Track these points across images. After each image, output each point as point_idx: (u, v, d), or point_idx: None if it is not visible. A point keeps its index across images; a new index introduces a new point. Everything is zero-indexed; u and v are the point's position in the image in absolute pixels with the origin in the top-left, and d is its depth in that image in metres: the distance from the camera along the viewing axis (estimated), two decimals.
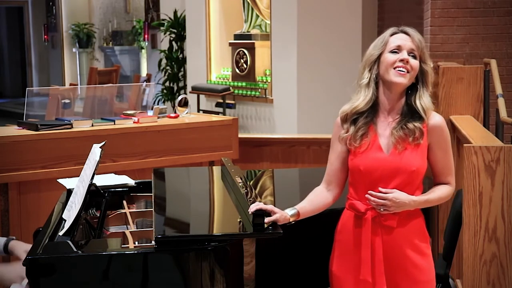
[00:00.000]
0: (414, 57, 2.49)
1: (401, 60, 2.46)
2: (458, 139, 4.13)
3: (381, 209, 2.46)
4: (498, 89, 5.25)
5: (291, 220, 2.53)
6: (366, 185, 2.49)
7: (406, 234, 2.51)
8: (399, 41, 2.49)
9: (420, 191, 2.53)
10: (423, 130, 2.48)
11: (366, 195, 2.47)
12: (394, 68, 2.46)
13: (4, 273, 2.77)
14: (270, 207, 2.50)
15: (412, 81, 2.49)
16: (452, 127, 4.32)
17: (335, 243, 2.62)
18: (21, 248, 2.84)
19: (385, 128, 2.51)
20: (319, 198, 2.59)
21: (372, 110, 2.52)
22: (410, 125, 2.46)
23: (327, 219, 2.69)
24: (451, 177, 2.57)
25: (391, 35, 2.52)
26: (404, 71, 2.45)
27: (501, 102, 5.11)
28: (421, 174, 2.50)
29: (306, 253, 2.84)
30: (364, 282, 2.49)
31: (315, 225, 2.74)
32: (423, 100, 2.48)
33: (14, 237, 2.97)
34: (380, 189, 2.45)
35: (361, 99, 2.51)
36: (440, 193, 2.55)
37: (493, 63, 5.48)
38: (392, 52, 2.48)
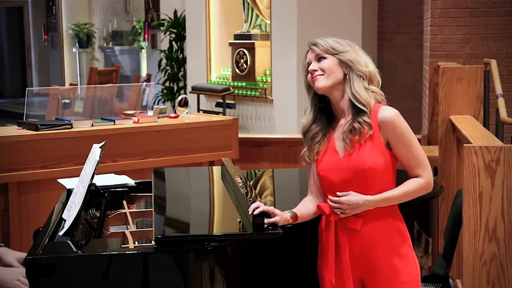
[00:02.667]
0: (322, 58, 2.53)
1: (311, 73, 2.53)
2: (458, 139, 4.13)
3: (339, 213, 2.48)
4: (498, 89, 5.25)
5: (290, 222, 2.54)
6: (329, 189, 2.53)
7: (376, 235, 2.50)
8: (307, 58, 2.58)
9: (388, 189, 2.50)
10: (371, 123, 2.46)
11: (327, 200, 2.51)
12: (312, 80, 2.54)
13: (0, 274, 2.76)
14: (271, 208, 2.50)
15: (337, 77, 2.51)
16: (452, 127, 4.32)
17: (319, 244, 2.64)
18: (11, 254, 2.82)
19: (340, 131, 2.53)
20: (310, 206, 2.60)
21: (326, 118, 2.57)
22: (356, 124, 2.47)
23: None
24: (421, 169, 2.51)
25: (305, 57, 2.59)
26: (316, 76, 2.51)
27: (501, 102, 5.11)
28: (379, 171, 2.47)
29: (303, 256, 2.84)
30: (329, 283, 2.52)
31: (314, 226, 2.74)
32: (354, 88, 2.49)
33: (2, 244, 2.96)
34: (338, 193, 2.47)
35: (306, 118, 2.60)
36: (406, 188, 2.50)
37: (493, 63, 5.48)
38: (308, 71, 2.56)
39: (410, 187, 2.51)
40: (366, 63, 2.54)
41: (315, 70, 2.52)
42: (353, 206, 2.45)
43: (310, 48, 2.58)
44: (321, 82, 2.51)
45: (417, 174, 2.52)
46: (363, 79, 2.50)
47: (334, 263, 2.51)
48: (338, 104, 2.54)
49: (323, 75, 2.51)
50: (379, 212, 2.49)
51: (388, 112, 2.48)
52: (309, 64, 2.56)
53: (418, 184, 2.51)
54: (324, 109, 2.58)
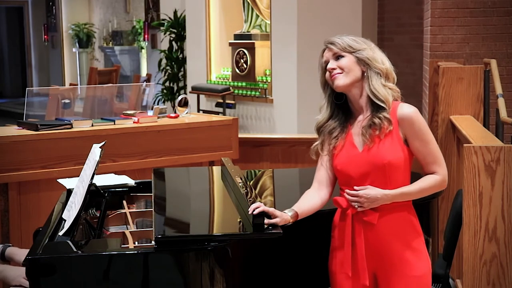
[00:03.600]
0: (340, 57, 2.55)
1: (329, 71, 2.56)
2: (458, 139, 4.13)
3: (357, 206, 2.50)
4: (498, 89, 5.25)
5: (291, 221, 2.54)
6: (347, 183, 2.56)
7: (391, 229, 2.53)
8: (324, 57, 2.60)
9: (405, 185, 2.53)
10: (391, 119, 2.50)
11: (344, 194, 2.53)
12: (331, 78, 2.57)
13: (7, 271, 2.78)
14: (271, 209, 2.51)
15: (355, 75, 2.54)
16: (452, 127, 4.32)
17: (331, 240, 2.66)
18: (20, 253, 2.85)
19: (358, 127, 2.56)
20: (314, 198, 2.62)
21: (343, 114, 2.61)
22: (376, 120, 2.50)
23: (326, 220, 2.70)
24: (437, 165, 2.56)
25: (322, 55, 2.62)
26: (335, 75, 2.54)
27: (501, 102, 5.11)
28: (397, 166, 2.50)
29: (303, 256, 2.84)
30: (346, 276, 2.55)
31: (315, 225, 2.74)
32: (372, 86, 2.52)
33: (11, 244, 2.98)
34: (355, 187, 2.50)
35: (322, 115, 2.65)
36: (422, 183, 2.55)
37: (493, 63, 5.47)
38: (327, 69, 2.58)
39: (427, 183, 2.55)
40: (383, 60, 2.57)
41: (334, 69, 2.55)
42: (371, 200, 2.48)
43: (327, 46, 2.60)
44: (341, 81, 2.54)
45: (433, 171, 2.56)
46: (381, 76, 2.55)
47: (344, 256, 2.54)
48: (356, 101, 2.58)
49: (342, 73, 2.54)
50: (395, 206, 2.53)
51: (408, 109, 2.53)
52: (326, 62, 2.58)
53: (434, 180, 2.56)
54: (341, 105, 2.61)
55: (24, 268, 2.67)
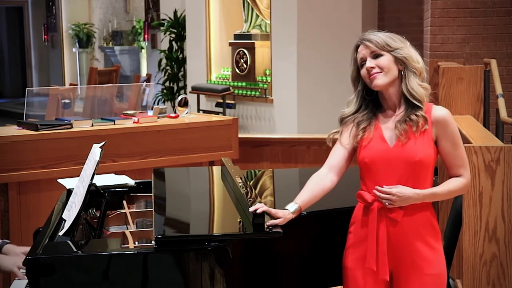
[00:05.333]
0: (378, 55, 2.55)
1: (368, 70, 2.55)
2: None
3: (387, 203, 2.50)
4: (498, 89, 5.25)
5: (293, 216, 2.53)
6: (373, 177, 2.55)
7: (413, 227, 2.54)
8: (361, 54, 2.59)
9: (429, 185, 2.56)
10: (427, 118, 2.52)
11: (373, 190, 2.52)
12: (369, 77, 2.55)
13: (2, 261, 2.80)
14: (273, 211, 2.51)
15: (394, 75, 2.54)
16: None
17: (348, 236, 2.66)
18: (17, 249, 2.86)
19: (390, 121, 2.57)
20: (319, 186, 2.61)
21: (373, 107, 2.60)
22: (413, 117, 2.51)
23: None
24: (463, 169, 2.58)
25: (356, 50, 2.61)
26: (375, 74, 2.53)
27: (501, 102, 5.11)
28: (427, 165, 2.52)
29: (303, 256, 2.84)
30: (369, 270, 2.54)
31: (316, 224, 2.74)
32: (409, 85, 2.53)
33: (9, 241, 2.98)
34: (385, 186, 2.49)
35: (349, 109, 2.64)
36: (450, 186, 2.57)
37: (493, 63, 5.48)
38: (362, 66, 2.58)
39: (455, 186, 2.57)
40: (417, 59, 2.58)
41: (373, 67, 2.54)
42: (403, 198, 2.49)
43: (362, 43, 2.58)
44: (380, 80, 2.54)
45: (460, 174, 2.58)
46: (416, 75, 2.56)
47: (367, 250, 2.54)
48: (391, 98, 2.58)
49: (381, 72, 2.53)
50: (419, 205, 2.54)
51: (443, 111, 2.56)
52: (362, 59, 2.57)
53: (461, 183, 2.58)
54: (370, 100, 2.61)
55: (19, 258, 2.70)
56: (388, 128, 2.56)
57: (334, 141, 2.67)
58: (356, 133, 2.59)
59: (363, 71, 2.56)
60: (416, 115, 2.51)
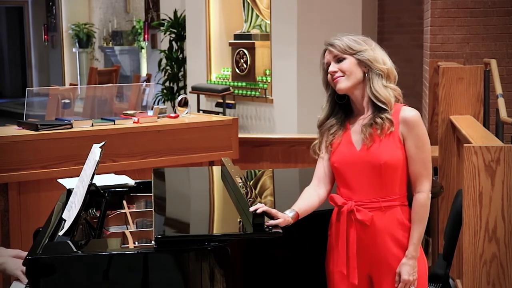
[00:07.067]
0: (341, 59, 2.55)
1: (331, 74, 2.57)
2: (458, 139, 4.13)
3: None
4: (498, 89, 5.26)
5: (292, 222, 2.54)
6: (344, 180, 2.57)
7: (385, 231, 2.53)
8: (325, 59, 2.61)
9: (399, 188, 2.53)
10: (393, 120, 2.50)
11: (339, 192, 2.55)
12: (333, 81, 2.57)
13: (7, 264, 2.79)
14: (274, 211, 2.51)
15: (357, 78, 2.54)
16: (452, 127, 4.32)
17: (328, 239, 2.67)
18: (5, 252, 2.85)
19: (358, 125, 2.57)
20: (312, 197, 2.62)
21: (343, 113, 2.62)
22: (378, 119, 2.51)
23: (326, 219, 2.70)
24: (424, 178, 2.52)
25: (323, 56, 2.62)
26: (337, 78, 2.55)
27: (501, 102, 5.11)
28: (394, 167, 2.50)
29: (303, 256, 2.84)
30: (340, 273, 2.56)
31: (315, 225, 2.74)
32: (373, 88, 2.53)
33: None
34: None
35: (322, 114, 2.68)
36: (420, 215, 2.53)
37: (493, 63, 5.48)
38: (327, 70, 2.59)
39: (421, 213, 2.54)
40: (384, 59, 2.58)
41: (335, 72, 2.55)
42: (410, 272, 2.50)
43: (327, 48, 2.59)
44: (343, 84, 2.55)
45: (419, 183, 2.53)
46: (382, 76, 2.55)
47: (338, 254, 2.56)
48: (358, 102, 2.58)
49: (343, 76, 2.54)
50: (389, 207, 2.53)
51: (411, 112, 2.53)
52: (327, 64, 2.59)
53: (423, 202, 2.54)
54: (342, 104, 2.62)
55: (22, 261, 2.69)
56: (356, 131, 2.57)
57: (316, 152, 2.67)
58: (326, 139, 2.61)
59: (328, 76, 2.58)
60: (381, 117, 2.50)
